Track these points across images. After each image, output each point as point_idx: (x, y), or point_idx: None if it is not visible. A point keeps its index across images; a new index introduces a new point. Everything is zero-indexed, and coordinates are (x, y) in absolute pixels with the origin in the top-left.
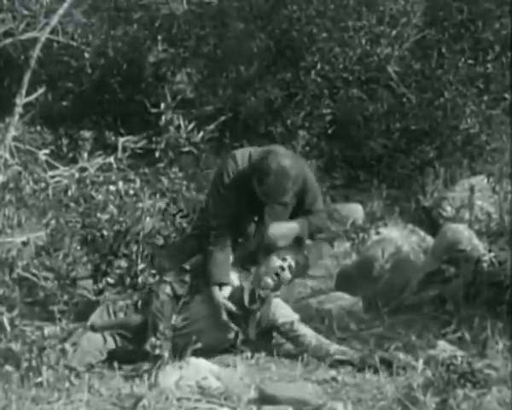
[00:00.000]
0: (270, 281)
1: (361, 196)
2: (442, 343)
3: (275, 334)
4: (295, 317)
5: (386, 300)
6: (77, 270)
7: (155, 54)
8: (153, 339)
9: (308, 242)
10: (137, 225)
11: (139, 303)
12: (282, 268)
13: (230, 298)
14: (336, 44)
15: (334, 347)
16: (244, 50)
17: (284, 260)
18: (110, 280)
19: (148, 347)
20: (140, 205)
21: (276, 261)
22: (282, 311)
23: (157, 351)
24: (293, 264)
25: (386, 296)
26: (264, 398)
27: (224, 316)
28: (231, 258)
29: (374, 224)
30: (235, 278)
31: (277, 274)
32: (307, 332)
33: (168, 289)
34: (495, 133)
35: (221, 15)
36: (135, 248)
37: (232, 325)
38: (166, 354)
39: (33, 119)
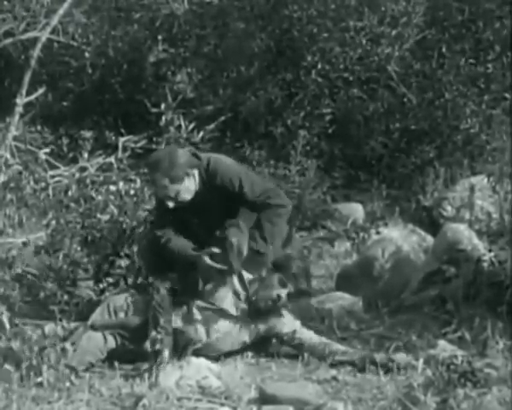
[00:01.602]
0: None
1: (361, 195)
2: (442, 343)
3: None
4: (297, 324)
5: (387, 300)
6: (77, 270)
7: (156, 54)
8: (153, 333)
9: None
10: (141, 226)
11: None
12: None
13: None
14: (337, 44)
15: (335, 346)
16: (245, 50)
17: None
18: (111, 280)
19: (148, 342)
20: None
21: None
22: (282, 320)
23: (158, 346)
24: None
25: (386, 296)
26: (264, 398)
27: (208, 259)
28: None
29: (374, 223)
30: None
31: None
32: (311, 337)
33: (168, 284)
34: (495, 133)
35: (222, 15)
36: (136, 248)
37: (217, 265)
38: (167, 352)
39: (34, 118)
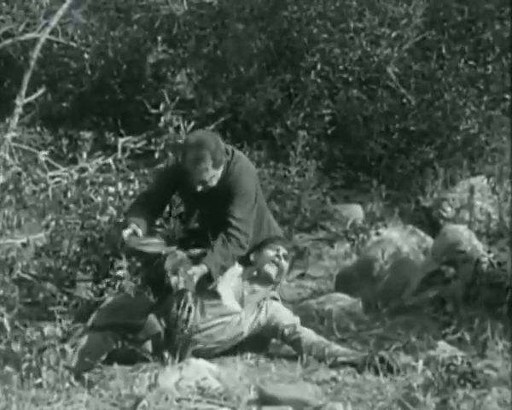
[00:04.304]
0: (271, 270)
1: (361, 196)
2: (442, 344)
3: (274, 340)
4: (296, 319)
5: (386, 300)
6: (76, 271)
7: (155, 54)
8: (175, 277)
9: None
10: None
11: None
12: (278, 257)
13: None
14: (336, 45)
15: (335, 347)
16: (244, 51)
17: (278, 250)
18: (111, 281)
19: (172, 283)
20: None
21: (269, 253)
22: (282, 314)
23: (181, 285)
24: (286, 253)
25: (385, 297)
26: (264, 398)
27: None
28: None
29: (374, 224)
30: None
31: (275, 263)
32: (310, 335)
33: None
34: (495, 134)
35: (221, 16)
36: None
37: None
38: (191, 293)
39: (33, 119)
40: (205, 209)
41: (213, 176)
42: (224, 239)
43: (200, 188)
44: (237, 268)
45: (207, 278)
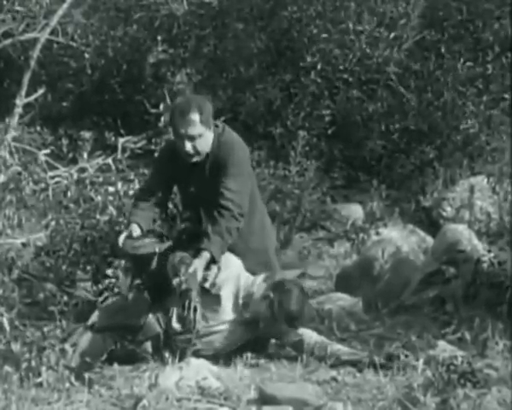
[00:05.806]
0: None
1: (361, 196)
2: (442, 344)
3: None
4: None
5: (386, 300)
6: (76, 271)
7: (155, 54)
8: (177, 279)
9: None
10: None
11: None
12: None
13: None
14: (336, 45)
15: (337, 347)
16: (244, 51)
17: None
18: (110, 281)
19: (174, 285)
20: None
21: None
22: None
23: (184, 286)
24: None
25: (386, 297)
26: (264, 398)
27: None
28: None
29: (374, 224)
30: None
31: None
32: (311, 336)
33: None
34: (495, 133)
35: (221, 16)
36: None
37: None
38: (195, 292)
39: (33, 119)
40: (200, 192)
41: (202, 135)
42: (215, 217)
43: (191, 150)
44: (247, 277)
45: (212, 261)
